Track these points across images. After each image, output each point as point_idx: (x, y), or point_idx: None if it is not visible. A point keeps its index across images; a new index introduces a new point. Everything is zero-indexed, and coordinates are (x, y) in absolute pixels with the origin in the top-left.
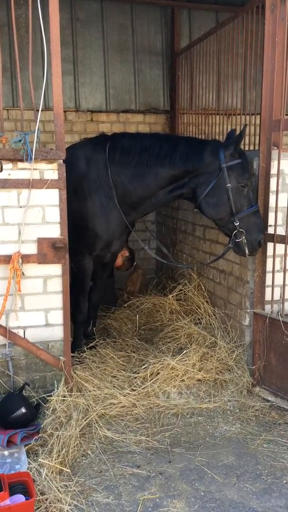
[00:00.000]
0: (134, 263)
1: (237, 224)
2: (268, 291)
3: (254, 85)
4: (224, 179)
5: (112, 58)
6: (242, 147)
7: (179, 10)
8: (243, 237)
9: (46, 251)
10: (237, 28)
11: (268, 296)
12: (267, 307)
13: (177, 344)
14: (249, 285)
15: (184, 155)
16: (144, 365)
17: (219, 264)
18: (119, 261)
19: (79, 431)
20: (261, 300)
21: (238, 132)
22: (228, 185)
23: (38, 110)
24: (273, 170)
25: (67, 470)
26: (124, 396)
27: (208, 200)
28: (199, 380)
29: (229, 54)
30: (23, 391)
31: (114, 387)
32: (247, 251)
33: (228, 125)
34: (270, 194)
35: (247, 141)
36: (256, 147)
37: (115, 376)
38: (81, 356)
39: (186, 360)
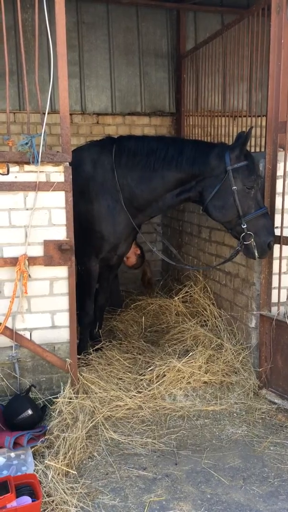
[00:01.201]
0: (144, 259)
1: (245, 226)
2: (274, 293)
3: (260, 87)
4: (230, 181)
5: (117, 61)
6: (248, 149)
7: (185, 13)
8: (252, 239)
9: (53, 253)
10: (243, 30)
11: (274, 298)
12: (274, 309)
13: (183, 346)
14: (255, 287)
15: (191, 158)
16: (150, 367)
17: (225, 266)
18: (132, 259)
19: (85, 433)
20: (268, 302)
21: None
22: (234, 187)
23: (44, 113)
24: (280, 172)
25: (74, 472)
26: (130, 398)
27: (215, 203)
28: (205, 382)
29: (234, 56)
30: (30, 393)
31: (120, 389)
32: (256, 254)
33: (234, 127)
34: (277, 195)
35: (253, 143)
36: (262, 149)
37: (121, 378)
38: (87, 358)
39: (192, 362)
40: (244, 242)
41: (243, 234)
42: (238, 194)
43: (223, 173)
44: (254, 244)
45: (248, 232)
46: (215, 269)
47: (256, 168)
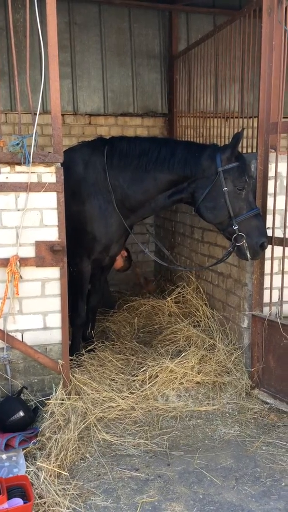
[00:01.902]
0: (132, 261)
1: (236, 227)
2: (266, 293)
3: (251, 88)
4: (221, 182)
5: (110, 62)
6: (240, 150)
7: (177, 14)
8: (244, 240)
9: (44, 254)
10: (235, 31)
11: (266, 298)
12: (266, 309)
13: (176, 347)
14: (247, 287)
15: (183, 160)
16: (142, 368)
17: (217, 266)
18: (120, 262)
19: (78, 435)
20: (260, 302)
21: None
22: (225, 188)
23: (36, 114)
24: (271, 173)
25: (66, 473)
26: (122, 399)
27: (206, 204)
28: (198, 382)
29: (226, 57)
30: (21, 394)
31: (112, 390)
32: (249, 255)
33: (226, 128)
34: (268, 196)
35: (245, 144)
36: (254, 150)
37: (113, 379)
38: (79, 359)
39: (184, 362)
40: (236, 243)
41: (235, 235)
42: (229, 195)
43: (214, 174)
44: (246, 245)
45: (240, 233)
46: (207, 269)
47: (247, 169)
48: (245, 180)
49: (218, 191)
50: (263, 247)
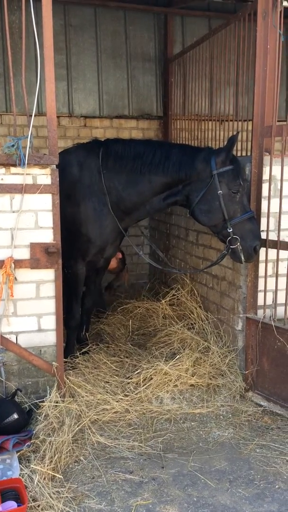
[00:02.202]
0: (125, 264)
1: (231, 230)
2: (260, 296)
3: (246, 91)
4: (215, 185)
5: (105, 64)
6: (234, 153)
7: (172, 17)
8: (238, 243)
9: (39, 256)
10: (230, 35)
11: (260, 301)
12: (260, 312)
13: (170, 349)
14: (241, 290)
15: (177, 163)
16: (137, 370)
17: (212, 269)
18: (113, 263)
19: (72, 437)
20: (254, 305)
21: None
22: (219, 191)
23: (31, 115)
24: (265, 176)
25: (60, 476)
26: (117, 401)
27: (201, 207)
28: (192, 385)
29: (221, 61)
30: (15, 396)
31: (107, 392)
32: (243, 258)
33: (221, 131)
34: (262, 199)
35: (239, 147)
36: (249, 153)
37: (108, 382)
38: (73, 362)
39: (179, 365)
40: (231, 246)
41: (229, 238)
42: (224, 198)
43: (208, 177)
44: (240, 248)
45: (234, 236)
46: (202, 272)
47: (241, 172)
48: (239, 183)
49: (213, 194)
50: (256, 250)
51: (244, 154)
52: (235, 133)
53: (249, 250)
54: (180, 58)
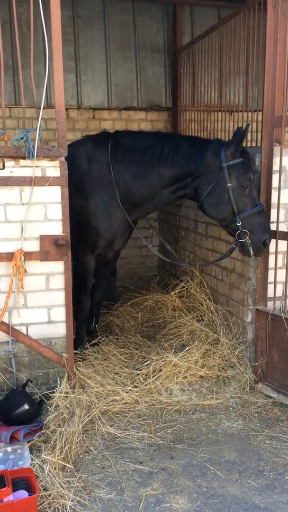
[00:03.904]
0: None
1: (240, 224)
2: (270, 287)
3: (256, 81)
4: (225, 178)
5: (114, 55)
6: (244, 144)
7: (181, 7)
8: (247, 237)
9: (49, 248)
10: (239, 25)
11: (270, 293)
12: (269, 304)
13: (180, 341)
14: (251, 282)
15: (186, 155)
16: (146, 362)
17: (221, 261)
18: None
19: (82, 428)
20: (263, 297)
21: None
22: (229, 184)
23: (40, 108)
24: (275, 167)
25: (70, 466)
26: (126, 392)
27: (210, 200)
28: (201, 376)
29: (231, 51)
30: (26, 387)
31: (116, 383)
32: (252, 252)
33: (230, 122)
34: (272, 190)
35: (249, 138)
36: (258, 144)
37: (117, 373)
38: (83, 353)
39: (188, 357)
40: (240, 240)
41: (238, 231)
42: (233, 191)
43: (218, 170)
44: (250, 242)
45: (243, 230)
46: (211, 264)
47: (251, 165)
48: (249, 176)
49: (222, 187)
50: (266, 244)
51: (254, 144)
52: (244, 124)
53: (258, 244)
54: (189, 49)
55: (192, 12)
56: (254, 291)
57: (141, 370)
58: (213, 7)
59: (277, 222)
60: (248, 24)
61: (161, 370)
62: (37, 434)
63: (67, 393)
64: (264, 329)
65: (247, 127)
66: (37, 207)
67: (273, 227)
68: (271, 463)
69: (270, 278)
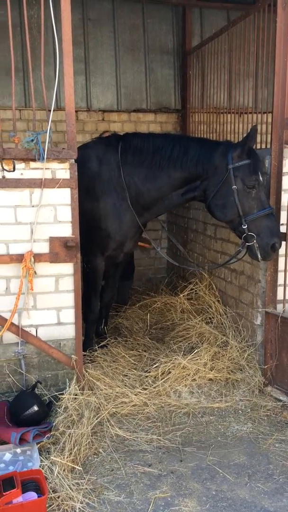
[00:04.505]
0: None
1: (245, 227)
2: (280, 290)
3: (266, 83)
4: (230, 180)
5: (123, 58)
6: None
7: (191, 9)
8: (254, 241)
9: (58, 250)
10: (249, 26)
11: (280, 295)
12: (279, 307)
13: (188, 343)
14: (260, 284)
15: (195, 158)
16: (155, 364)
17: (230, 263)
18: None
19: (91, 430)
20: (273, 299)
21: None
22: (234, 186)
23: (50, 110)
24: (285, 169)
25: (79, 468)
26: (135, 395)
27: (216, 202)
28: (210, 379)
29: (240, 53)
30: (35, 389)
31: (125, 386)
32: (259, 256)
33: (240, 124)
34: (282, 192)
35: (259, 140)
36: (268, 146)
37: (126, 375)
38: (92, 355)
39: (197, 359)
40: (247, 243)
41: (245, 234)
42: (239, 193)
43: (224, 171)
44: (257, 245)
45: (250, 233)
46: (220, 267)
47: (259, 167)
48: (255, 178)
49: (228, 189)
50: (274, 248)
51: (263, 146)
52: (253, 126)
53: (266, 248)
54: (198, 51)
55: (202, 14)
56: (263, 294)
57: (150, 372)
58: (222, 9)
59: (287, 224)
60: (258, 25)
61: (170, 372)
62: (46, 436)
63: (76, 395)
64: (274, 331)
65: (253, 128)
66: (46, 209)
67: (283, 229)
68: (281, 466)
69: (280, 280)
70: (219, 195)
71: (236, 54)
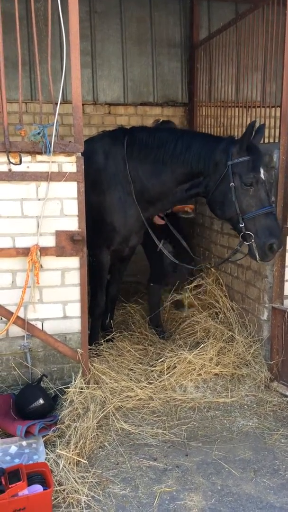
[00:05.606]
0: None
1: (242, 225)
2: (287, 285)
3: (274, 77)
4: (228, 177)
5: (130, 51)
6: (261, 140)
7: (198, 2)
8: (252, 240)
9: (64, 243)
10: (257, 19)
11: (287, 291)
12: (286, 302)
13: (194, 338)
14: (267, 279)
15: (197, 153)
16: (161, 358)
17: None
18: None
19: (96, 423)
20: (280, 295)
21: (258, 124)
22: (231, 183)
23: (56, 103)
24: None
25: (84, 461)
26: (140, 389)
27: (215, 199)
28: (216, 374)
29: (248, 46)
30: (41, 382)
31: (131, 380)
32: (257, 256)
33: (247, 118)
34: None
35: (267, 134)
36: (277, 140)
37: (132, 369)
38: (98, 349)
39: (203, 354)
40: (246, 242)
41: (242, 233)
42: (236, 191)
43: (224, 168)
44: (255, 245)
45: (247, 232)
46: (227, 261)
47: (259, 164)
48: (253, 175)
49: (226, 186)
50: (272, 249)
51: (271, 141)
52: (262, 120)
53: (263, 247)
54: (206, 44)
55: (209, 7)
56: (270, 289)
57: (155, 366)
58: (230, 2)
59: None
60: (267, 18)
61: (175, 367)
62: (52, 429)
63: (81, 389)
64: (281, 327)
65: (252, 124)
66: (53, 203)
67: None
68: (287, 462)
69: (287, 276)
70: (218, 192)
71: (244, 47)
